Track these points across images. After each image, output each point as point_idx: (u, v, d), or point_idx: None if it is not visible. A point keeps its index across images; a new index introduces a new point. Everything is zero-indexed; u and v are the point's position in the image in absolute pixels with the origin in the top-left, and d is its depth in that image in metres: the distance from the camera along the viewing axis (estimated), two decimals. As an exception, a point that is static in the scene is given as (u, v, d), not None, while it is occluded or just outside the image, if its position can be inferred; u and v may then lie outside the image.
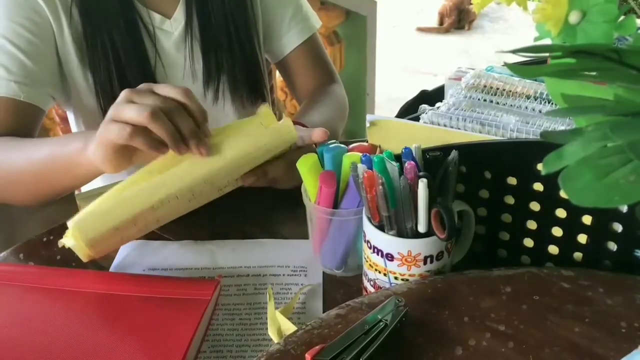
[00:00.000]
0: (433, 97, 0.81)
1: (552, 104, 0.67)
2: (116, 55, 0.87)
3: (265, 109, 0.71)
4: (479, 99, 0.70)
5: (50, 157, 0.75)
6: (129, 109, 0.63)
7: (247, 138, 0.70)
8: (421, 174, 0.55)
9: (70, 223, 0.66)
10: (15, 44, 0.82)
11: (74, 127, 1.01)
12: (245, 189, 0.81)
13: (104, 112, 0.87)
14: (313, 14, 1.05)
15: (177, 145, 0.64)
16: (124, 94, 0.65)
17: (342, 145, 0.65)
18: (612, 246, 0.59)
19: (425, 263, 0.57)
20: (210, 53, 0.94)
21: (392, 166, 0.55)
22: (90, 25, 0.86)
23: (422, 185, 0.53)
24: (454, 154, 0.57)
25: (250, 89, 1.00)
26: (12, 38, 0.82)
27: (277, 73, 1.41)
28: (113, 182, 0.71)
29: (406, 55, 3.55)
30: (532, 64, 0.74)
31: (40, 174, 0.76)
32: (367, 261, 0.60)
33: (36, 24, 0.84)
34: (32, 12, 0.83)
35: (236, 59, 0.95)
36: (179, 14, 0.92)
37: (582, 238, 0.60)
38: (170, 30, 0.93)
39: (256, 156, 0.70)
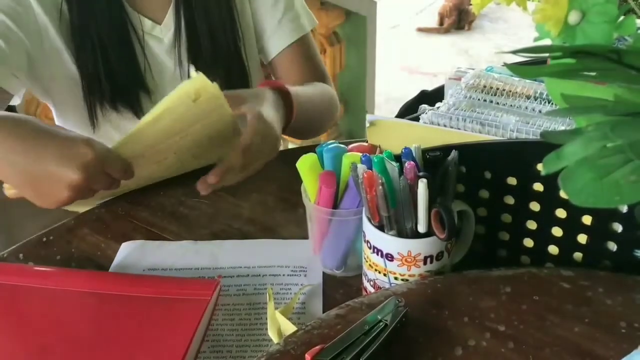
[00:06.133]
0: (433, 97, 0.81)
1: (552, 104, 0.67)
2: (105, 59, 0.87)
3: (199, 77, 0.69)
4: (479, 99, 0.70)
5: None
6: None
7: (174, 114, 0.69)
8: (421, 174, 0.55)
9: None
10: None
11: (57, 119, 0.99)
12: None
13: (91, 110, 0.90)
14: (307, 13, 1.02)
15: None
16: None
17: (342, 145, 0.65)
18: (612, 246, 0.59)
19: (425, 263, 0.57)
20: (199, 60, 0.93)
21: (392, 166, 0.55)
22: (80, 27, 0.85)
23: (422, 185, 0.53)
24: (454, 154, 0.57)
25: None
26: None
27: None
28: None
29: (406, 55, 3.54)
30: (532, 64, 0.74)
31: None
32: (367, 261, 0.60)
33: (18, 13, 0.82)
34: (16, 3, 0.82)
35: (222, 67, 0.94)
36: (169, 20, 0.92)
37: (582, 238, 0.60)
38: (160, 36, 0.92)
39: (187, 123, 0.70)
